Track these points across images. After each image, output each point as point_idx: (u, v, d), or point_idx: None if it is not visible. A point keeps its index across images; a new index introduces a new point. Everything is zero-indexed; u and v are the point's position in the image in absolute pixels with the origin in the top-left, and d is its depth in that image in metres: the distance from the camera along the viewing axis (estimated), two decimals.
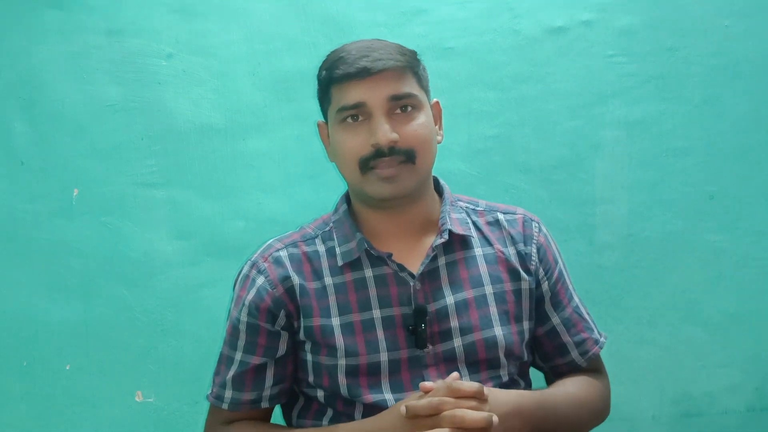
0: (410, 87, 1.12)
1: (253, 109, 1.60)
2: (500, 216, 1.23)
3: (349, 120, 1.11)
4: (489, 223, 1.22)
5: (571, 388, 1.18)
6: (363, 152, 1.10)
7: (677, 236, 1.60)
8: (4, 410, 1.57)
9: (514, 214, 1.24)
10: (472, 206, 1.24)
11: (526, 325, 1.18)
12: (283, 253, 1.17)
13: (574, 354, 1.22)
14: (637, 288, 1.61)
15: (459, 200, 1.25)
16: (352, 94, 1.10)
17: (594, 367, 1.25)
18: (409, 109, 1.12)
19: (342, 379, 1.11)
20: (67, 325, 1.57)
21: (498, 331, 1.13)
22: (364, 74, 1.09)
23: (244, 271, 1.19)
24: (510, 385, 1.16)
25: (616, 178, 1.60)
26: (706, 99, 1.60)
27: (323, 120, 1.20)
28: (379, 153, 1.09)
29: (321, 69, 1.16)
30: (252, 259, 1.20)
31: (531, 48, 1.60)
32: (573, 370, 1.23)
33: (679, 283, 1.61)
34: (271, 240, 1.22)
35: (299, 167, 1.60)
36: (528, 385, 1.22)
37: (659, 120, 1.60)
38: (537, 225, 1.23)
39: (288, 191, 1.60)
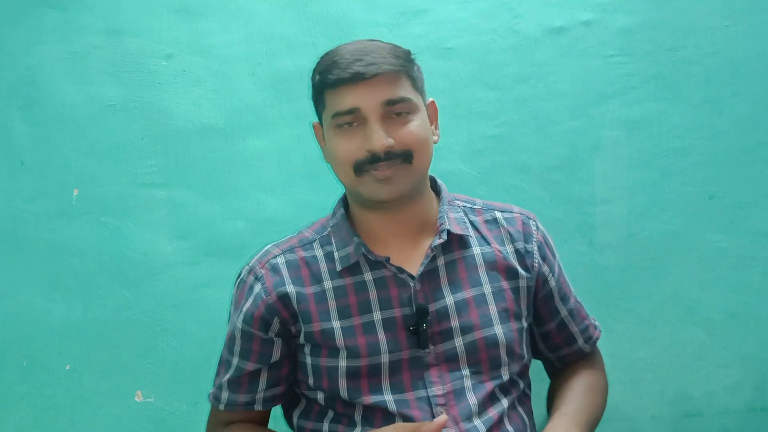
0: (404, 90, 1.11)
1: (253, 109, 1.60)
2: (498, 214, 1.24)
3: (345, 125, 1.11)
4: (487, 222, 1.22)
5: (585, 386, 1.23)
6: (358, 156, 1.10)
7: (677, 236, 1.60)
8: (4, 410, 1.57)
9: (511, 212, 1.25)
10: (469, 205, 1.25)
11: (524, 322, 1.19)
12: (281, 260, 1.17)
13: (581, 341, 1.26)
14: (637, 288, 1.61)
15: (456, 199, 1.25)
16: (346, 99, 1.09)
17: (595, 352, 1.32)
18: (404, 113, 1.11)
19: (342, 381, 1.11)
20: (67, 325, 1.57)
21: (498, 329, 1.14)
22: (357, 79, 1.08)
23: (242, 276, 1.20)
24: (510, 384, 1.16)
25: (616, 178, 1.60)
26: (706, 99, 1.60)
27: (318, 121, 1.20)
28: (374, 158, 1.09)
29: (314, 72, 1.16)
30: (250, 264, 1.20)
31: (531, 48, 1.60)
32: (578, 357, 1.26)
33: (679, 283, 1.61)
34: (269, 245, 1.22)
35: (299, 167, 1.60)
36: (528, 386, 1.23)
37: (659, 120, 1.60)
38: (534, 223, 1.24)
39: (288, 191, 1.60)
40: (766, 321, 1.61)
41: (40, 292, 1.58)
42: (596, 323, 1.32)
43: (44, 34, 1.58)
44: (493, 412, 1.12)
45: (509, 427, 1.13)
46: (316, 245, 1.19)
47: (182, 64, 1.59)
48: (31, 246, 1.58)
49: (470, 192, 1.34)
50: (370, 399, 1.10)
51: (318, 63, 1.16)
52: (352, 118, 1.10)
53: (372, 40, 1.15)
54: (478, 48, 1.60)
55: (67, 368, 1.58)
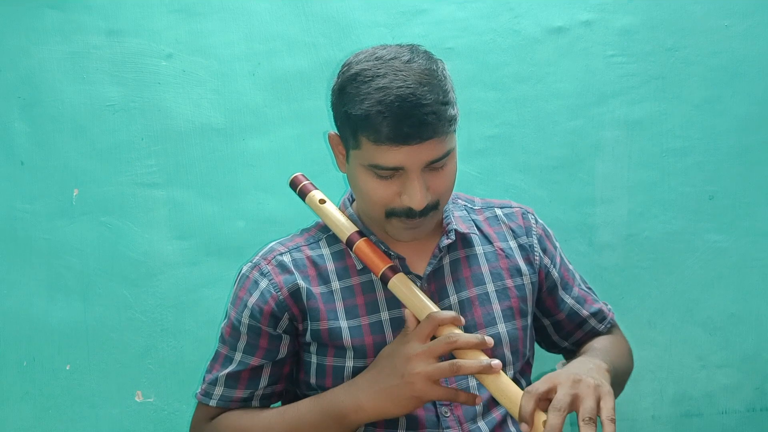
0: (449, 141, 1.04)
1: (253, 109, 1.60)
2: (498, 211, 1.24)
3: (382, 175, 1.04)
4: (488, 219, 1.23)
5: (605, 343, 1.22)
6: (393, 204, 1.05)
7: (677, 236, 1.60)
8: (4, 410, 1.57)
9: (510, 207, 1.26)
10: (469, 204, 1.25)
11: (529, 319, 1.19)
12: (287, 258, 1.16)
13: (593, 322, 1.27)
14: (637, 288, 1.61)
15: (458, 198, 1.26)
16: (390, 158, 1.00)
17: (612, 329, 1.31)
18: (444, 164, 1.05)
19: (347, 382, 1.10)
20: (67, 325, 1.57)
21: (502, 327, 1.14)
22: (407, 142, 0.99)
23: (244, 271, 1.18)
24: None
25: (616, 178, 1.60)
26: (706, 99, 1.60)
27: (336, 133, 1.11)
28: (411, 214, 1.05)
29: (345, 98, 1.03)
30: (253, 260, 1.18)
31: (531, 48, 1.60)
32: (594, 336, 1.26)
33: (679, 283, 1.61)
34: (272, 243, 1.21)
35: (299, 167, 1.60)
36: (528, 384, 1.23)
37: (659, 120, 1.60)
38: (533, 216, 1.26)
39: (288, 191, 1.59)
40: (766, 321, 1.61)
41: (40, 292, 1.58)
42: (609, 306, 1.31)
43: (44, 34, 1.58)
44: (496, 413, 1.12)
45: (512, 428, 1.13)
46: (322, 243, 1.18)
47: (182, 64, 1.59)
48: (31, 246, 1.58)
49: (471, 192, 1.34)
50: None
51: (350, 87, 1.02)
52: (393, 173, 1.03)
53: (419, 79, 1.01)
54: (478, 48, 1.60)
55: (67, 368, 1.58)
